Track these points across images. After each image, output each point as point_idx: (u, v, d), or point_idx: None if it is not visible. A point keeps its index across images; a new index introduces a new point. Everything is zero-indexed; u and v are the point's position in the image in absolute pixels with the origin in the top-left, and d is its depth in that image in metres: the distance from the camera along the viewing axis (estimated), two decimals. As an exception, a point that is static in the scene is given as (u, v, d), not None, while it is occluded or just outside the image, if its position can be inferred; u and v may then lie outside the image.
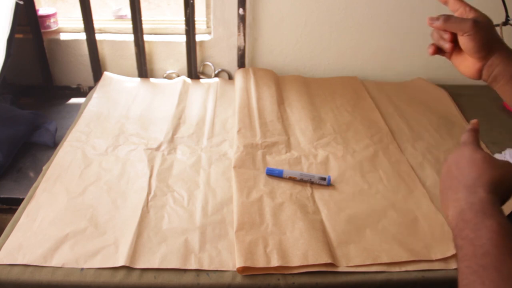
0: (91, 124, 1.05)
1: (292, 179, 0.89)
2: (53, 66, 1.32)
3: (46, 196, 0.82)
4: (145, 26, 1.27)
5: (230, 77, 1.36)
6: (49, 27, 1.28)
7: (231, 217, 0.79)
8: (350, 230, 0.77)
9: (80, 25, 1.25)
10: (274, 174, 0.89)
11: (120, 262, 0.69)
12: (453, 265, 0.72)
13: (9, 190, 0.92)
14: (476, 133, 0.51)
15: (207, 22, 1.33)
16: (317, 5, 1.26)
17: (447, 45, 0.63)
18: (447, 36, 0.64)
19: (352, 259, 0.72)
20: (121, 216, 0.78)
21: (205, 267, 0.69)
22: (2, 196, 0.90)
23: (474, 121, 0.53)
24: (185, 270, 0.69)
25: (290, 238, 0.74)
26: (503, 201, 0.43)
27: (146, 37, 1.27)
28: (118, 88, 1.23)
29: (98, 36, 1.27)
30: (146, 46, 1.29)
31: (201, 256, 0.71)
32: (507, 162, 0.46)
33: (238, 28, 1.26)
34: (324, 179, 0.88)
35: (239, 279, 0.68)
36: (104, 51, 1.31)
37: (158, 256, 0.70)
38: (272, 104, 1.15)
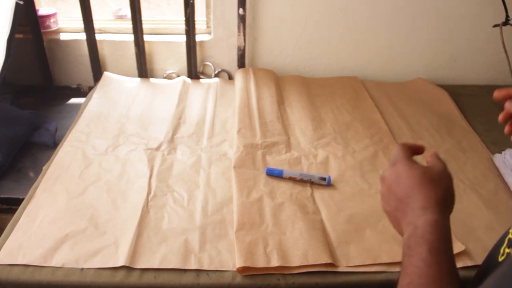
0: (91, 124, 1.05)
1: (292, 179, 0.89)
2: (53, 66, 1.32)
3: (46, 196, 0.82)
4: (145, 26, 1.27)
5: (230, 77, 1.36)
6: (49, 27, 1.28)
7: (231, 217, 0.79)
8: (350, 230, 0.77)
9: (80, 25, 1.25)
10: (274, 174, 0.89)
11: (120, 262, 0.69)
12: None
13: (9, 190, 0.92)
14: (407, 148, 0.50)
15: (207, 22, 1.33)
16: (317, 5, 1.26)
17: None
18: None
19: (352, 259, 0.72)
20: (121, 216, 0.78)
21: (205, 267, 0.69)
22: (2, 196, 0.90)
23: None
24: (185, 270, 0.69)
25: (290, 238, 0.74)
26: (449, 214, 0.44)
27: (146, 37, 1.27)
28: (118, 88, 1.23)
29: (98, 36, 1.27)
30: (146, 46, 1.29)
31: (201, 256, 0.71)
32: (444, 174, 0.46)
33: (238, 28, 1.26)
34: (324, 179, 0.88)
35: (239, 279, 0.68)
36: (104, 51, 1.31)
37: (158, 256, 0.70)
38: (272, 104, 1.15)
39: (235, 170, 0.90)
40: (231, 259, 0.71)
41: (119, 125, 1.05)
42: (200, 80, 1.31)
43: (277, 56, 1.35)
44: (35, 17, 1.22)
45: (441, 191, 0.44)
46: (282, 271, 0.69)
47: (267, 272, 0.69)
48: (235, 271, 0.69)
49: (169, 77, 1.34)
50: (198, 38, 1.30)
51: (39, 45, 1.26)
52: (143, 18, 1.23)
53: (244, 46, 1.29)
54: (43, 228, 0.75)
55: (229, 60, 1.34)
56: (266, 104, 1.14)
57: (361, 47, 1.35)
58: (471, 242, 0.76)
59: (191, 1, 1.20)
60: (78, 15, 1.22)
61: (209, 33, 1.33)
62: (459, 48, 1.36)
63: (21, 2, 1.09)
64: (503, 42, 1.16)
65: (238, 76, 1.28)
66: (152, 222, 0.77)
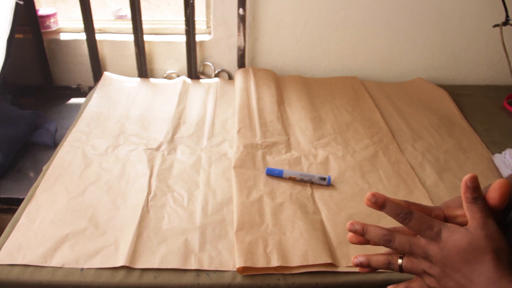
0: (91, 124, 1.05)
1: (292, 179, 0.89)
2: (53, 66, 1.32)
3: (46, 196, 0.82)
4: (145, 26, 1.27)
5: (230, 77, 1.36)
6: (49, 27, 1.28)
7: (231, 217, 0.79)
8: (350, 230, 0.77)
9: (80, 25, 1.25)
10: (274, 174, 0.89)
11: (120, 262, 0.69)
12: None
13: (9, 190, 0.92)
14: (484, 201, 0.40)
15: (207, 22, 1.33)
16: (317, 5, 1.26)
17: None
18: None
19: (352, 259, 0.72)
20: (121, 216, 0.78)
21: (205, 267, 0.69)
22: (2, 196, 0.90)
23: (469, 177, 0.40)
24: (185, 270, 0.69)
25: (290, 238, 0.74)
26: None
27: (146, 37, 1.27)
28: (118, 88, 1.23)
29: (98, 36, 1.27)
30: (146, 46, 1.29)
31: (201, 256, 0.71)
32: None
33: (238, 28, 1.26)
34: (324, 179, 0.88)
35: (239, 279, 0.68)
36: (104, 51, 1.31)
37: (158, 256, 0.70)
38: (272, 104, 1.15)
39: (235, 170, 0.90)
40: (231, 259, 0.71)
41: (119, 125, 1.05)
42: (200, 80, 1.31)
43: (277, 56, 1.35)
44: (35, 17, 1.22)
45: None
46: (282, 271, 0.69)
47: (267, 272, 0.69)
48: (235, 271, 0.69)
49: (169, 77, 1.34)
50: (198, 38, 1.30)
51: (39, 45, 1.26)
52: (143, 18, 1.23)
53: (244, 46, 1.29)
54: (43, 228, 0.75)
55: (229, 60, 1.34)
56: (266, 104, 1.14)
57: (361, 47, 1.35)
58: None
59: (191, 1, 1.20)
60: (78, 15, 1.22)
61: (209, 33, 1.33)
62: (459, 48, 1.36)
63: (21, 2, 1.10)
64: (503, 42, 1.16)
65: (238, 76, 1.28)
66: (152, 222, 0.77)
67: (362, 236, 0.43)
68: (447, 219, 0.45)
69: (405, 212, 0.40)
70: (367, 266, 0.44)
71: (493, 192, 0.41)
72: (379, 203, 0.41)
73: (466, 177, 0.40)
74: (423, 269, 0.41)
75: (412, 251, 0.40)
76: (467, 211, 0.40)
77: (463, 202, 0.41)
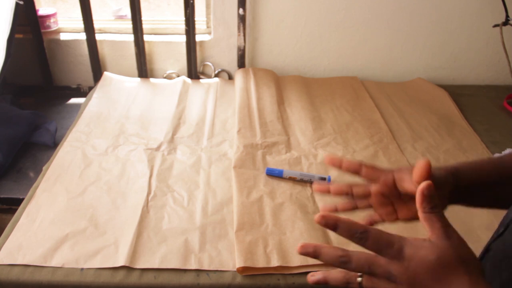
0: (91, 124, 1.05)
1: (292, 179, 0.89)
2: (53, 66, 1.32)
3: (46, 196, 0.82)
4: (145, 26, 1.27)
5: (230, 77, 1.36)
6: (49, 27, 1.28)
7: (231, 217, 0.79)
8: (350, 230, 0.77)
9: (80, 25, 1.25)
10: (274, 174, 0.89)
11: (120, 262, 0.69)
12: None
13: (9, 190, 0.92)
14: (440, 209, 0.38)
15: (207, 22, 1.33)
16: (317, 5, 1.26)
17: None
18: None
19: (352, 259, 0.72)
20: (121, 216, 0.78)
21: (205, 267, 0.69)
22: (2, 196, 0.90)
23: (424, 184, 0.38)
24: (185, 270, 0.69)
25: (290, 238, 0.74)
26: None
27: (146, 37, 1.27)
28: (118, 88, 1.23)
29: (98, 36, 1.27)
30: (146, 46, 1.29)
31: (201, 256, 0.71)
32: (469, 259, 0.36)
33: (238, 28, 1.26)
34: (324, 179, 0.88)
35: (239, 279, 0.68)
36: (104, 51, 1.31)
37: (158, 256, 0.70)
38: (272, 104, 1.15)
39: (235, 170, 0.90)
40: (231, 259, 0.71)
41: (119, 125, 1.05)
42: (200, 80, 1.31)
43: (277, 56, 1.35)
44: (35, 17, 1.22)
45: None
46: (282, 271, 0.69)
47: (267, 272, 0.69)
48: (235, 271, 0.69)
49: (169, 77, 1.34)
50: (198, 38, 1.30)
51: (39, 45, 1.26)
52: (143, 18, 1.23)
53: (244, 46, 1.29)
54: (43, 228, 0.75)
55: (229, 60, 1.34)
56: (266, 104, 1.14)
57: (361, 47, 1.35)
58: (471, 242, 0.75)
59: (191, 1, 1.20)
60: (78, 15, 1.22)
61: (209, 33, 1.33)
62: (459, 48, 1.36)
63: (21, 2, 1.10)
64: (503, 42, 1.16)
65: (238, 76, 1.28)
66: (152, 222, 0.77)
67: (316, 258, 0.38)
68: (395, 182, 0.47)
69: (360, 231, 0.36)
70: (324, 284, 0.40)
71: (415, 172, 0.42)
72: (331, 224, 0.37)
73: (422, 185, 0.37)
74: None
75: (372, 272, 0.36)
76: (425, 222, 0.37)
77: (419, 212, 0.37)
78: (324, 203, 0.83)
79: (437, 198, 0.37)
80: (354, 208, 0.53)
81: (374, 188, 0.50)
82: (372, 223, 0.52)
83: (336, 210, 0.53)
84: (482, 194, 0.49)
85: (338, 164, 0.50)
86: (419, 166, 0.42)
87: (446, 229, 0.36)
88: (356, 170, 0.51)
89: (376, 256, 0.36)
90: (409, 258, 0.35)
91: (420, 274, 0.34)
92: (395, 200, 0.49)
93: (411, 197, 0.46)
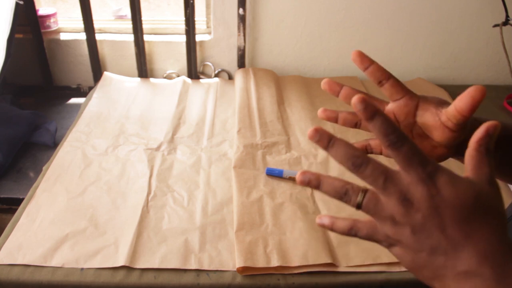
0: (91, 124, 1.05)
1: (292, 179, 0.89)
2: (53, 66, 1.32)
3: (46, 196, 0.82)
4: (145, 26, 1.27)
5: (230, 77, 1.36)
6: (49, 27, 1.28)
7: (231, 217, 0.79)
8: (350, 230, 0.77)
9: (80, 25, 1.25)
10: (274, 174, 0.89)
11: (120, 262, 0.69)
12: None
13: (9, 190, 0.92)
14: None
15: (207, 22, 1.33)
16: (317, 5, 1.26)
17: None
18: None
19: (352, 259, 0.72)
20: (121, 216, 0.78)
21: (205, 267, 0.69)
22: (2, 196, 0.90)
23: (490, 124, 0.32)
24: (185, 270, 0.69)
25: (290, 238, 0.74)
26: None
27: (146, 37, 1.27)
28: (118, 88, 1.23)
29: (98, 36, 1.27)
30: (146, 46, 1.29)
31: (201, 256, 0.71)
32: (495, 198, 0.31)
33: (238, 28, 1.26)
34: (324, 179, 0.88)
35: (239, 279, 0.68)
36: (104, 51, 1.31)
37: (158, 256, 0.70)
38: (272, 104, 1.15)
39: (235, 170, 0.90)
40: (231, 259, 0.71)
41: (119, 125, 1.05)
42: (200, 80, 1.31)
43: (277, 56, 1.35)
44: (35, 17, 1.22)
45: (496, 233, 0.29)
46: (282, 271, 0.69)
47: (267, 272, 0.69)
48: (235, 271, 0.69)
49: (169, 77, 1.34)
50: (198, 38, 1.30)
51: (39, 45, 1.26)
52: (143, 18, 1.23)
53: (244, 46, 1.29)
54: (43, 228, 0.75)
55: (229, 60, 1.34)
56: (266, 104, 1.14)
57: (361, 47, 1.34)
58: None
59: (191, 1, 1.20)
60: (78, 15, 1.22)
61: (209, 33, 1.33)
62: (459, 48, 1.36)
63: (21, 2, 1.10)
64: (503, 42, 1.16)
65: (238, 76, 1.28)
66: (152, 222, 0.77)
67: (317, 185, 0.33)
68: (417, 109, 0.41)
69: (396, 135, 0.29)
70: (329, 230, 0.34)
71: (464, 98, 0.35)
72: (325, 139, 0.31)
73: (491, 122, 0.31)
74: (391, 214, 0.30)
75: (385, 187, 0.30)
76: (473, 161, 0.31)
77: (469, 148, 0.31)
78: (324, 203, 0.84)
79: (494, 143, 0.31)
80: (357, 125, 0.48)
81: (389, 107, 0.44)
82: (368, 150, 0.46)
83: (336, 118, 0.48)
84: None
85: (366, 64, 0.44)
86: (474, 93, 0.35)
87: (492, 175, 0.31)
88: (381, 78, 0.45)
89: (399, 173, 0.30)
90: (440, 187, 0.29)
91: (447, 209, 0.29)
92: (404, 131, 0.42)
93: (423, 134, 0.42)
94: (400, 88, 0.43)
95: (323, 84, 0.45)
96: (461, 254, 0.29)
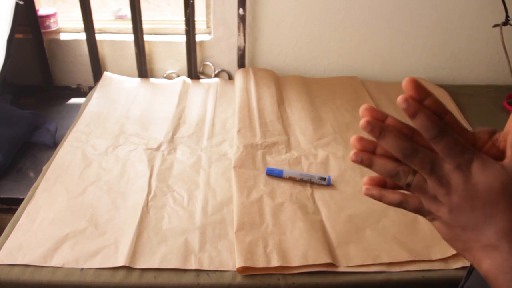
0: (91, 124, 1.05)
1: (292, 179, 0.89)
2: (53, 66, 1.32)
3: (46, 196, 0.82)
4: (145, 26, 1.27)
5: (230, 77, 1.36)
6: (49, 27, 1.28)
7: (231, 217, 0.79)
8: (350, 230, 0.77)
9: (80, 25, 1.25)
10: (274, 174, 0.89)
11: (120, 262, 0.69)
12: (453, 265, 0.72)
13: (9, 190, 0.92)
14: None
15: (207, 22, 1.33)
16: (317, 5, 1.26)
17: None
18: None
19: (352, 259, 0.72)
20: (121, 216, 0.78)
21: (205, 267, 0.69)
22: (2, 196, 0.90)
23: None
24: (185, 270, 0.69)
25: (290, 238, 0.74)
26: None
27: (146, 37, 1.27)
28: (118, 88, 1.23)
29: (98, 36, 1.27)
30: (146, 46, 1.29)
31: (201, 256, 0.71)
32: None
33: (238, 28, 1.26)
34: (324, 179, 0.88)
35: (239, 279, 0.68)
36: (104, 51, 1.31)
37: (158, 256, 0.70)
38: (272, 104, 1.15)
39: (235, 170, 0.90)
40: (231, 259, 0.71)
41: (119, 125, 1.05)
42: (200, 80, 1.31)
43: (277, 56, 1.35)
44: (35, 17, 1.22)
45: None
46: (282, 271, 0.69)
47: (267, 272, 0.69)
48: (235, 271, 0.69)
49: (169, 77, 1.34)
50: (198, 38, 1.30)
51: (39, 45, 1.26)
52: (143, 18, 1.23)
53: (244, 46, 1.29)
54: (43, 228, 0.75)
55: (229, 60, 1.34)
56: (266, 104, 1.14)
57: (361, 47, 1.35)
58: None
59: (191, 1, 1.20)
60: (78, 15, 1.22)
61: (209, 33, 1.33)
62: (459, 48, 1.36)
63: (21, 2, 1.10)
64: (503, 42, 1.16)
65: (238, 76, 1.28)
66: (152, 222, 0.77)
67: (369, 165, 0.36)
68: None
69: (438, 129, 0.33)
70: (378, 200, 0.39)
71: None
72: (411, 112, 0.34)
73: None
74: (434, 195, 0.35)
75: (431, 172, 0.34)
76: (511, 147, 0.34)
77: (510, 136, 0.35)
78: (324, 203, 0.84)
79: None
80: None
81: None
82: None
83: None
84: None
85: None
86: None
87: None
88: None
89: (442, 159, 0.34)
90: (474, 173, 0.33)
91: (477, 192, 0.33)
92: None
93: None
94: (458, 126, 0.42)
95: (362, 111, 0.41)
96: (485, 230, 0.34)
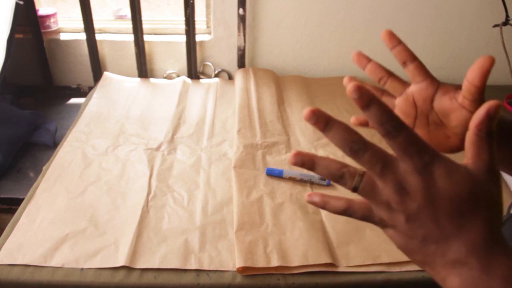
0: (91, 124, 1.05)
1: (292, 179, 0.89)
2: (53, 66, 1.32)
3: (46, 196, 0.82)
4: (145, 26, 1.27)
5: (230, 77, 1.36)
6: (49, 27, 1.28)
7: (231, 217, 0.79)
8: (350, 230, 0.77)
9: (80, 25, 1.25)
10: (274, 174, 0.89)
11: (120, 262, 0.69)
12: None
13: (9, 190, 0.92)
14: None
15: (207, 22, 1.33)
16: (317, 5, 1.26)
17: None
18: None
19: (352, 259, 0.72)
20: (121, 216, 0.78)
21: (205, 267, 0.69)
22: (2, 196, 0.90)
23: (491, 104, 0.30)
24: (185, 270, 0.69)
25: (290, 238, 0.74)
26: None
27: (146, 37, 1.27)
28: (118, 88, 1.23)
29: (98, 36, 1.27)
30: (146, 46, 1.29)
31: (201, 256, 0.71)
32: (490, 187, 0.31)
33: (238, 28, 1.26)
34: (324, 179, 0.88)
35: (239, 279, 0.68)
36: (104, 51, 1.31)
37: (158, 256, 0.70)
38: (272, 104, 1.15)
39: (235, 170, 0.90)
40: (231, 259, 0.71)
41: (119, 125, 1.05)
42: (200, 80, 1.31)
43: (277, 56, 1.35)
44: (35, 17, 1.22)
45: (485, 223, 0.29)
46: (282, 271, 0.69)
47: (267, 272, 0.69)
48: (235, 271, 0.69)
49: (169, 77, 1.34)
50: (198, 38, 1.30)
51: (39, 45, 1.26)
52: (143, 18, 1.23)
53: (244, 46, 1.29)
54: (43, 228, 0.75)
55: (229, 60, 1.34)
56: (266, 104, 1.14)
57: (361, 47, 1.35)
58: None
59: (191, 1, 1.20)
60: (78, 15, 1.22)
61: (209, 33, 1.33)
62: (459, 48, 1.36)
63: (21, 2, 1.10)
64: (503, 42, 1.16)
65: (238, 76, 1.28)
66: (152, 222, 0.77)
67: (311, 167, 0.31)
68: (436, 93, 0.41)
69: (393, 122, 0.28)
70: (321, 208, 0.34)
71: (474, 68, 0.35)
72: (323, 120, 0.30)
73: (491, 102, 0.29)
74: (387, 200, 0.30)
75: (382, 174, 0.29)
76: (473, 146, 0.30)
77: (470, 133, 0.31)
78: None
79: (496, 125, 0.30)
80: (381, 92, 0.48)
81: (409, 90, 0.46)
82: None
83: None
84: None
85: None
86: (482, 62, 0.35)
87: (492, 163, 0.30)
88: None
89: (397, 160, 0.29)
90: (436, 179, 0.29)
91: (442, 200, 0.29)
92: (420, 117, 0.43)
93: (439, 122, 0.42)
94: (423, 71, 0.46)
95: (354, 55, 0.46)
96: (451, 244, 0.29)
